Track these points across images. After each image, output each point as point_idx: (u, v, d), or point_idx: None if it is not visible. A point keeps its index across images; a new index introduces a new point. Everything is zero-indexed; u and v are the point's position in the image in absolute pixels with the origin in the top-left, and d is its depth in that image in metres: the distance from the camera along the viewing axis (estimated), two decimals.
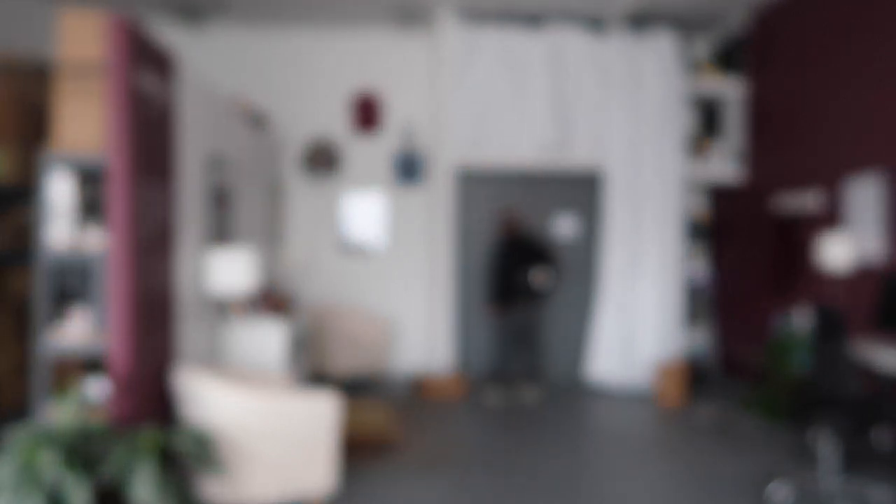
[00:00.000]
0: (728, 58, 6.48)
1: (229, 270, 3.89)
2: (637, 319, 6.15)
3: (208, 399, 3.13)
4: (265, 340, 4.23)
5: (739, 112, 6.43)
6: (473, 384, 6.22)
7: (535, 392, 5.89)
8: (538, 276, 5.78)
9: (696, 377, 6.27)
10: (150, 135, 3.24)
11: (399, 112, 6.75)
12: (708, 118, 6.78)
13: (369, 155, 6.74)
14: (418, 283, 6.75)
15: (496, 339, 6.13)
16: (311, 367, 5.90)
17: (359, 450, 4.27)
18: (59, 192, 3.10)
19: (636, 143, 6.16)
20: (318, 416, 3.27)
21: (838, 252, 4.41)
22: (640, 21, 6.31)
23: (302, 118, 6.68)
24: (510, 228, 5.91)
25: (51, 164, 3.06)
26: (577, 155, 6.20)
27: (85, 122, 3.07)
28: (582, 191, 6.47)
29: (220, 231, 4.41)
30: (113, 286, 3.02)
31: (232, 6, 6.06)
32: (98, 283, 3.12)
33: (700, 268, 6.82)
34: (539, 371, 6.09)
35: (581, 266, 6.43)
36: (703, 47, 6.87)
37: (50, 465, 2.53)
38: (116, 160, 3.02)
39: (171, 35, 6.24)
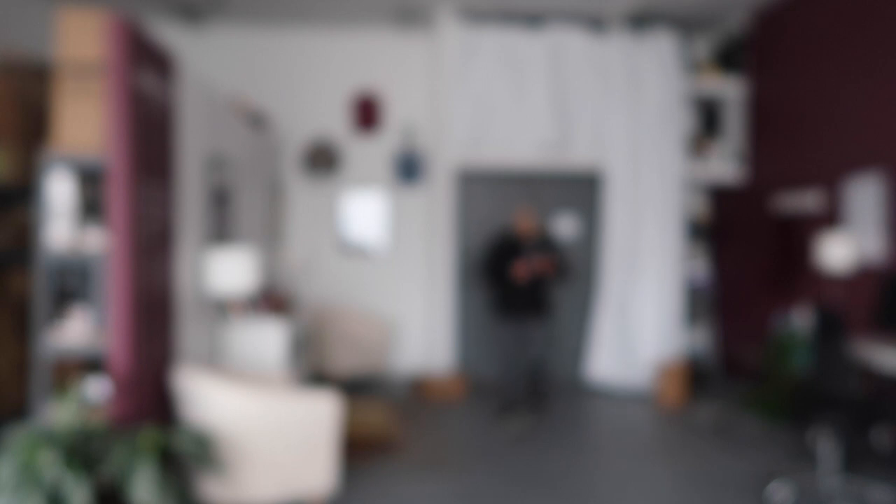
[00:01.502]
0: (728, 58, 6.48)
1: (229, 270, 3.89)
2: (637, 319, 6.15)
3: (208, 399, 3.13)
4: (265, 340, 4.23)
5: (739, 112, 6.43)
6: (473, 385, 6.22)
7: (527, 419, 5.10)
8: (521, 268, 4.99)
9: (697, 377, 6.27)
10: (150, 135, 3.24)
11: (399, 112, 6.75)
12: (708, 118, 6.78)
13: (369, 155, 6.74)
14: (418, 283, 6.75)
15: (497, 351, 5.45)
16: (312, 367, 5.90)
17: (359, 450, 4.27)
18: (59, 192, 3.10)
19: (636, 143, 6.16)
20: (318, 417, 3.27)
21: (838, 252, 4.41)
22: (640, 21, 6.31)
23: (302, 118, 6.68)
24: (528, 227, 5.19)
25: (51, 164, 3.06)
26: (576, 155, 6.20)
27: (85, 122, 3.07)
28: (582, 191, 6.47)
29: (220, 231, 4.42)
30: (113, 286, 3.02)
31: (232, 6, 6.07)
32: (98, 283, 3.12)
33: (700, 268, 6.82)
34: (538, 394, 5.43)
35: (581, 266, 6.43)
36: (703, 47, 6.87)
37: (50, 465, 2.53)
38: (116, 160, 3.02)
39: (171, 35, 6.24)
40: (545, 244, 5.22)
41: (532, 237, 5.20)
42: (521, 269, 5.00)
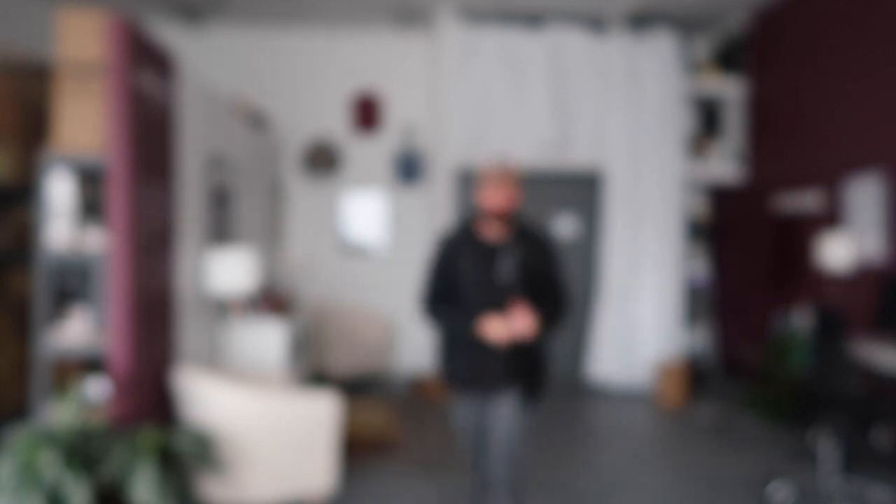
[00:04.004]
0: (728, 57, 6.48)
1: (229, 270, 3.89)
2: (637, 319, 6.15)
3: (208, 399, 3.13)
4: (265, 340, 4.23)
5: (739, 112, 6.43)
6: None
7: None
8: (494, 326, 2.64)
9: (697, 377, 6.27)
10: (150, 135, 3.24)
11: (399, 112, 6.75)
12: (708, 118, 6.78)
13: (369, 155, 6.74)
14: (418, 283, 6.75)
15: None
16: (312, 367, 5.90)
17: (359, 450, 4.27)
18: (59, 192, 3.10)
19: (636, 143, 6.16)
20: (318, 417, 3.27)
21: (838, 252, 4.41)
22: (640, 21, 6.31)
23: (302, 118, 6.68)
24: (501, 206, 2.75)
25: (51, 164, 3.06)
26: (576, 155, 6.20)
27: (85, 122, 3.07)
28: (582, 191, 6.47)
29: (220, 231, 4.42)
30: (113, 286, 3.02)
31: (232, 6, 6.06)
32: (98, 283, 3.12)
33: (700, 268, 6.82)
34: None
35: (581, 266, 6.43)
36: (703, 47, 6.87)
37: (50, 465, 2.53)
38: (116, 160, 3.02)
39: (171, 35, 6.24)
40: (531, 246, 2.80)
41: (508, 228, 2.80)
42: (496, 329, 2.63)
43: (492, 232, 2.81)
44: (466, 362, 2.78)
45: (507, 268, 2.74)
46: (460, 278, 2.78)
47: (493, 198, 2.75)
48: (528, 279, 2.75)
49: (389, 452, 4.32)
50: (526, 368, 2.79)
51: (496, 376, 2.74)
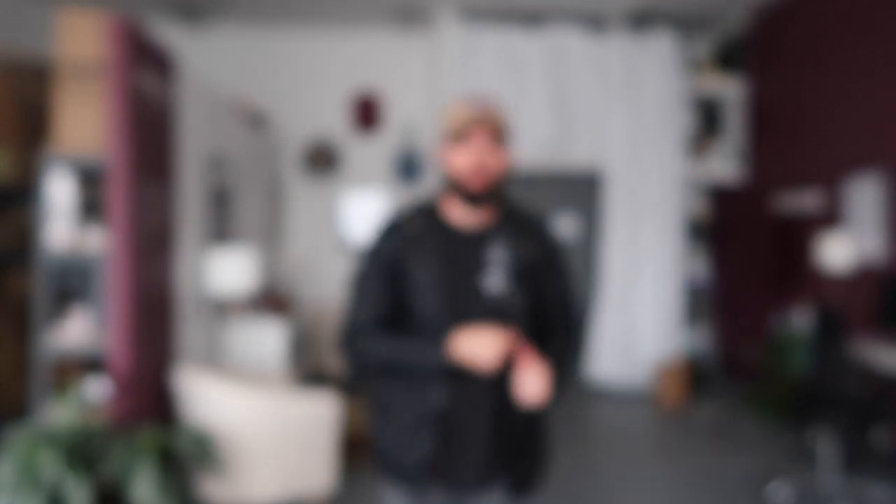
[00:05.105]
0: (729, 57, 6.48)
1: (229, 270, 3.89)
2: (637, 319, 6.15)
3: (208, 399, 3.13)
4: (265, 340, 4.23)
5: (740, 112, 6.42)
6: None
7: None
8: (476, 341, 1.55)
9: (697, 377, 6.27)
10: (150, 135, 3.24)
11: (399, 112, 6.75)
12: (708, 118, 6.78)
13: (369, 155, 6.74)
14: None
15: None
16: (312, 366, 5.90)
17: (359, 449, 4.27)
18: (59, 192, 3.10)
19: (636, 143, 6.16)
20: (318, 416, 3.27)
21: (838, 252, 4.41)
22: (640, 20, 6.31)
23: (302, 118, 6.68)
24: (482, 178, 1.64)
25: (51, 164, 3.06)
26: (576, 155, 6.20)
27: (85, 122, 3.07)
28: (582, 191, 6.47)
29: (220, 231, 4.42)
30: (113, 286, 3.02)
31: (232, 6, 6.06)
32: (98, 283, 3.12)
33: (700, 268, 6.82)
34: None
35: (581, 266, 6.43)
36: (703, 47, 6.86)
37: (50, 465, 2.53)
38: (116, 160, 3.02)
39: (171, 35, 6.23)
40: (528, 237, 1.74)
41: (492, 208, 1.74)
42: (483, 346, 1.55)
43: (468, 215, 1.69)
44: (424, 440, 1.64)
45: (495, 272, 1.65)
46: (415, 291, 1.64)
47: (477, 158, 1.62)
48: (528, 292, 1.68)
49: None
50: (524, 446, 1.73)
51: (478, 464, 1.65)
